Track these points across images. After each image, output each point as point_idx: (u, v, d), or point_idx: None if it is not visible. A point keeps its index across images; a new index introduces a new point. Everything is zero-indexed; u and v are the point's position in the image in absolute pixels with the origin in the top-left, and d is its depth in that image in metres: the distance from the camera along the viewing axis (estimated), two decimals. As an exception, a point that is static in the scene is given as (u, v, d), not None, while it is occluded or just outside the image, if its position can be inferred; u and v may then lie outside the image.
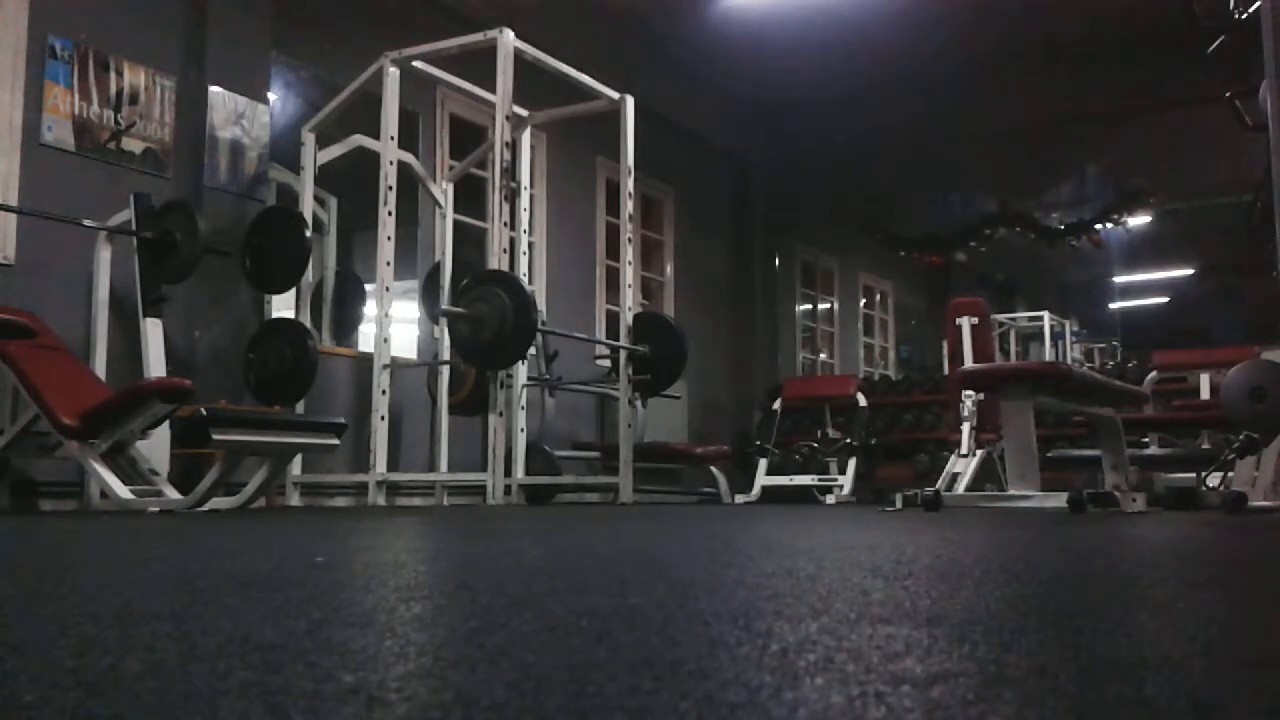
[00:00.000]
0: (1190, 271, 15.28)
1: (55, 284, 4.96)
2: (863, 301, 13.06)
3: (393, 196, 5.69)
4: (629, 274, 6.26)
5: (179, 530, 2.89)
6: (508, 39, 5.39)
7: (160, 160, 5.46)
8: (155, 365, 4.77)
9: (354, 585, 1.29)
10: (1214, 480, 4.77)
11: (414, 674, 0.65)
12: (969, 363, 5.87)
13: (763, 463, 8.02)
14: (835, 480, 7.83)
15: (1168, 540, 2.59)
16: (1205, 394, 6.94)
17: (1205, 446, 6.07)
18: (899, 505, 4.66)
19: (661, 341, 6.31)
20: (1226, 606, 1.17)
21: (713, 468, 7.96)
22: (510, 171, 5.52)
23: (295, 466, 5.59)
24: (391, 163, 5.72)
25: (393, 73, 5.71)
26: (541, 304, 7.39)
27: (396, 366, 5.89)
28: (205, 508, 4.09)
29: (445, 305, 5.76)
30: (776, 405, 8.35)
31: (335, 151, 6.10)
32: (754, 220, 10.58)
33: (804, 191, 10.63)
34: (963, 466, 5.87)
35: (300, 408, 5.65)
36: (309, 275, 5.82)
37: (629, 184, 6.23)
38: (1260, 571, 1.75)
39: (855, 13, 7.88)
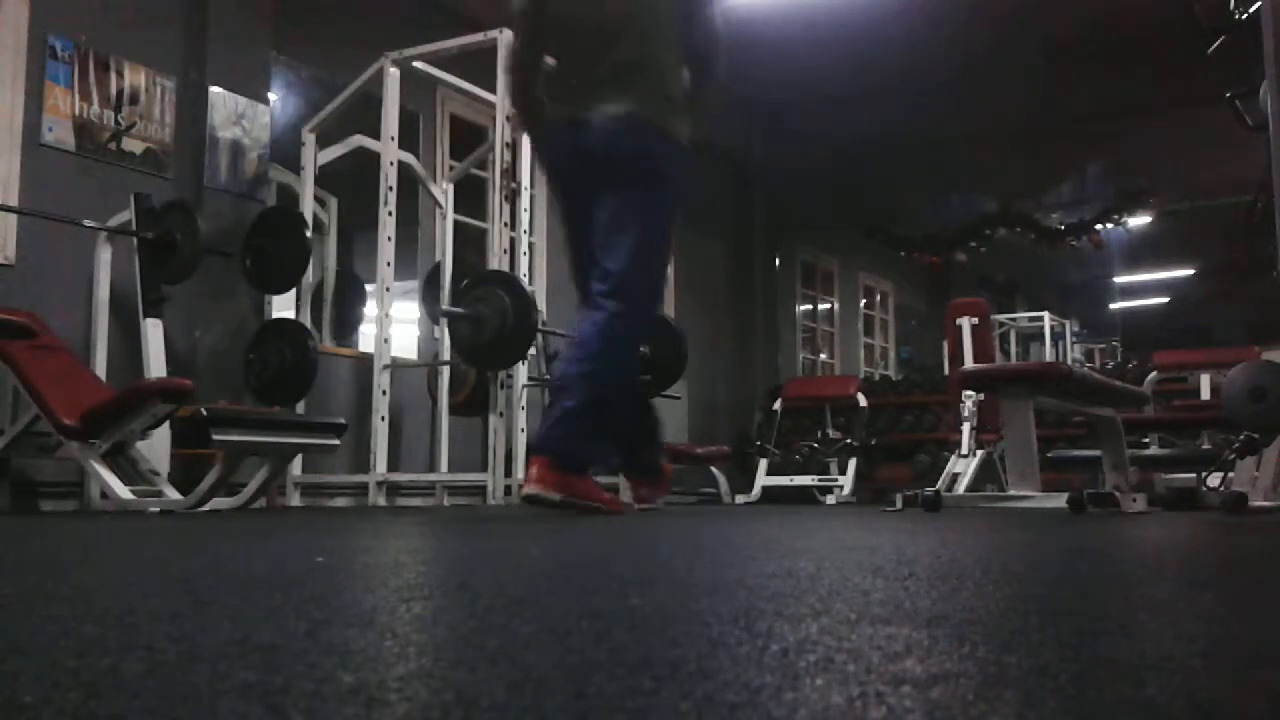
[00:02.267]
0: (1190, 271, 15.29)
1: (55, 284, 4.96)
2: (863, 302, 13.07)
3: (393, 197, 5.69)
4: (629, 274, 6.25)
5: (179, 530, 2.89)
6: (508, 39, 5.39)
7: (160, 161, 5.46)
8: (155, 365, 4.77)
9: (354, 585, 1.29)
10: (1214, 480, 4.77)
11: (414, 674, 0.65)
12: (969, 363, 5.87)
13: (763, 463, 8.02)
14: (835, 480, 7.83)
15: (1168, 540, 2.59)
16: (1205, 394, 6.94)
17: (1205, 447, 6.07)
18: (899, 505, 4.65)
19: (661, 341, 6.31)
20: (1226, 606, 1.17)
21: (713, 468, 7.97)
22: (511, 172, 5.52)
23: (295, 467, 5.59)
24: (392, 163, 5.72)
25: (393, 73, 5.71)
26: (542, 304, 7.38)
27: (397, 367, 5.89)
28: (206, 508, 4.09)
29: (445, 305, 5.76)
30: (777, 405, 8.35)
31: (335, 152, 6.10)
32: (754, 220, 10.58)
33: (804, 191, 10.63)
34: (963, 467, 5.88)
35: (300, 408, 5.65)
36: (309, 275, 5.82)
37: (629, 184, 6.22)
38: (1260, 571, 1.75)
39: (855, 13, 7.88)
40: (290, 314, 5.90)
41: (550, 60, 3.36)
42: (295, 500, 5.65)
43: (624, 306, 3.19)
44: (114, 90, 5.27)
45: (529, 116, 3.43)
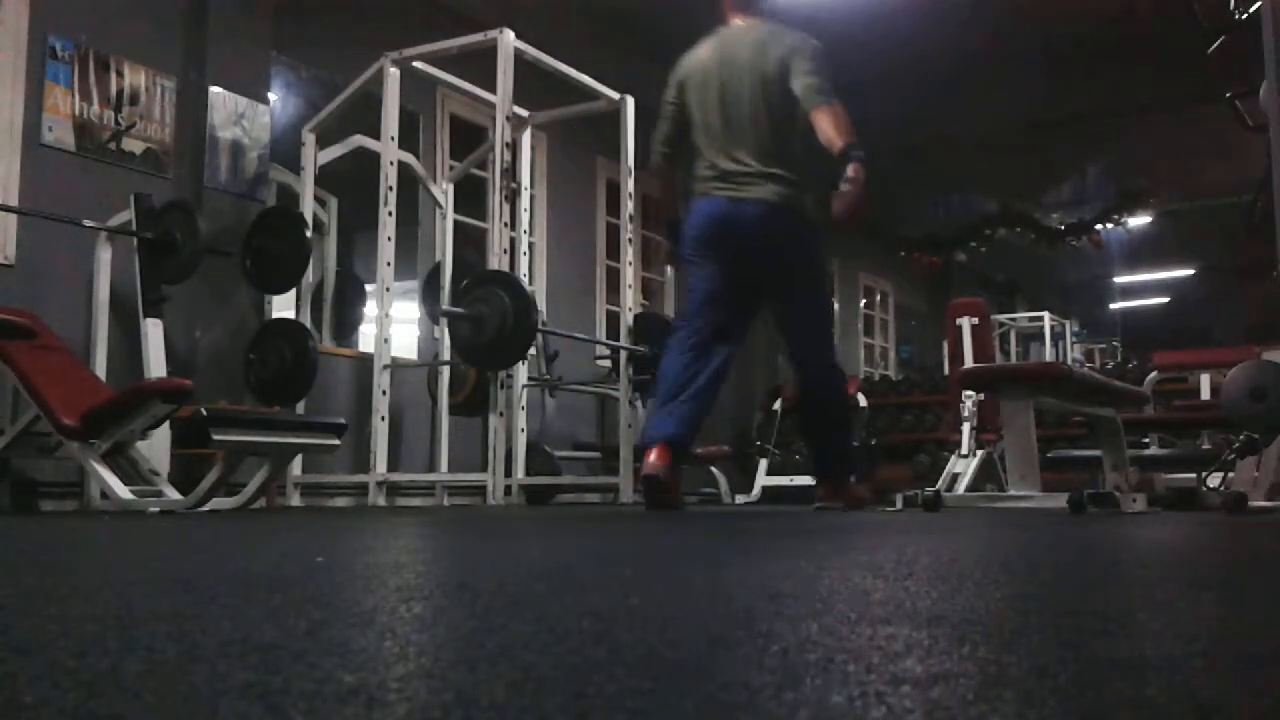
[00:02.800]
0: (1190, 271, 15.29)
1: (55, 284, 4.97)
2: (863, 301, 13.06)
3: (393, 197, 5.69)
4: (629, 274, 6.26)
5: (179, 530, 2.89)
6: (508, 39, 5.39)
7: (160, 161, 5.46)
8: (155, 365, 4.77)
9: (354, 585, 1.29)
10: (1214, 480, 4.77)
11: (414, 674, 0.65)
12: (969, 363, 5.87)
13: (763, 463, 8.02)
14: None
15: (1168, 540, 2.59)
16: (1205, 394, 6.94)
17: (1205, 447, 6.07)
18: (899, 505, 4.65)
19: (661, 342, 6.31)
20: (1226, 606, 1.17)
21: (713, 468, 7.97)
22: (510, 172, 5.52)
23: (295, 467, 5.59)
24: (392, 163, 5.72)
25: (393, 73, 5.71)
26: (541, 304, 7.39)
27: (397, 367, 5.89)
28: (205, 508, 4.09)
29: (445, 305, 5.76)
30: (777, 405, 8.35)
31: (335, 152, 6.10)
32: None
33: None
34: (963, 467, 5.87)
35: (300, 408, 5.65)
36: (309, 275, 5.82)
37: (629, 184, 6.23)
38: (1260, 571, 1.75)
39: (854, 13, 7.88)
40: (290, 314, 5.90)
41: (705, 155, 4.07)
42: (295, 500, 5.65)
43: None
44: (114, 90, 5.27)
45: (672, 201, 4.31)
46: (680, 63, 4.17)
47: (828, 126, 3.91)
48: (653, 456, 3.76)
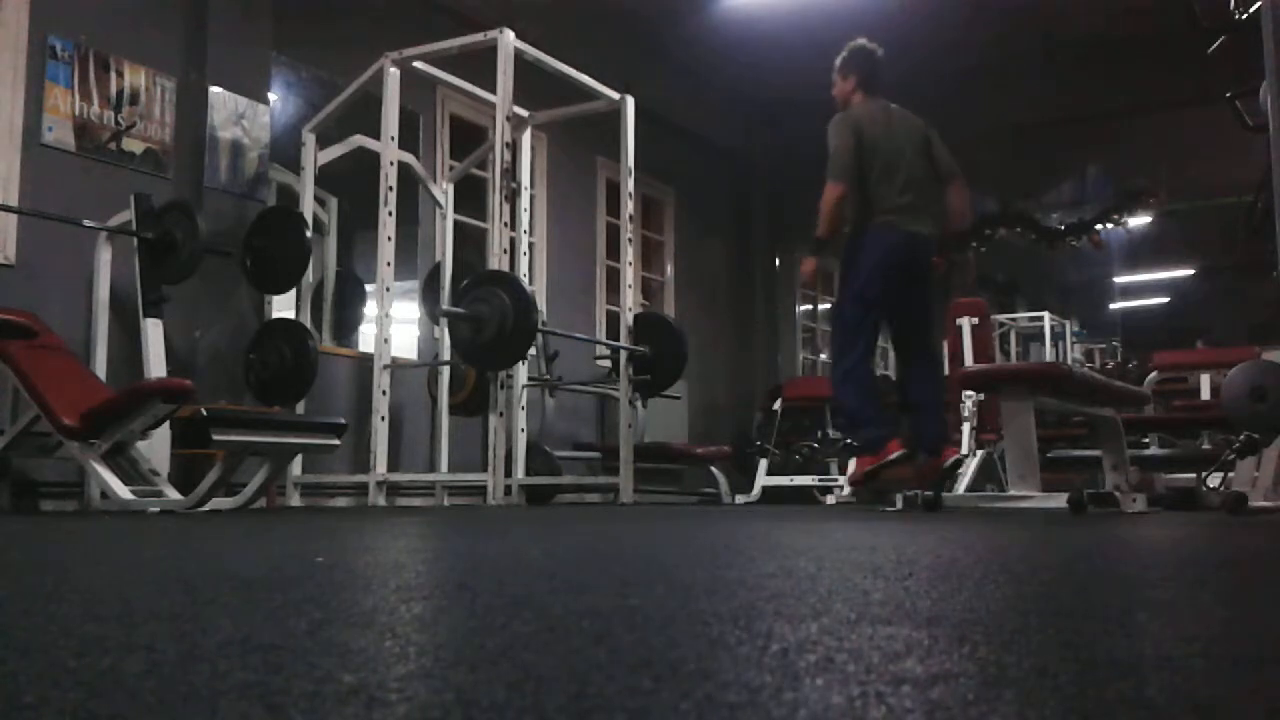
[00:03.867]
0: (1190, 271, 15.28)
1: (55, 284, 4.97)
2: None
3: (393, 197, 5.69)
4: (629, 274, 6.26)
5: (179, 530, 2.89)
6: (508, 39, 5.39)
7: (160, 160, 5.46)
8: (155, 365, 4.77)
9: (354, 586, 1.29)
10: (1214, 481, 4.77)
11: (414, 674, 0.65)
12: (969, 363, 5.87)
13: (763, 463, 8.01)
14: (835, 480, 7.82)
15: (1168, 540, 2.59)
16: (1205, 394, 6.94)
17: (1205, 447, 6.07)
18: (899, 505, 4.66)
19: (662, 341, 6.31)
20: (1226, 606, 1.17)
21: (713, 468, 7.96)
22: (510, 172, 5.52)
23: (295, 467, 5.59)
24: (392, 163, 5.72)
25: (393, 73, 5.71)
26: (541, 304, 7.39)
27: (397, 367, 5.89)
28: (206, 508, 4.09)
29: (445, 305, 5.76)
30: (777, 405, 8.34)
31: (335, 152, 6.10)
32: (754, 220, 10.57)
33: (804, 191, 10.61)
34: (963, 467, 5.87)
35: (300, 408, 5.65)
36: (309, 275, 5.82)
37: (629, 184, 6.23)
38: (1260, 571, 1.75)
39: (855, 13, 7.88)
40: (290, 314, 5.90)
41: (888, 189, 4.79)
42: (295, 500, 5.65)
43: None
44: (114, 90, 5.27)
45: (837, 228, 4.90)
46: (851, 114, 4.87)
47: (960, 198, 4.99)
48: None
